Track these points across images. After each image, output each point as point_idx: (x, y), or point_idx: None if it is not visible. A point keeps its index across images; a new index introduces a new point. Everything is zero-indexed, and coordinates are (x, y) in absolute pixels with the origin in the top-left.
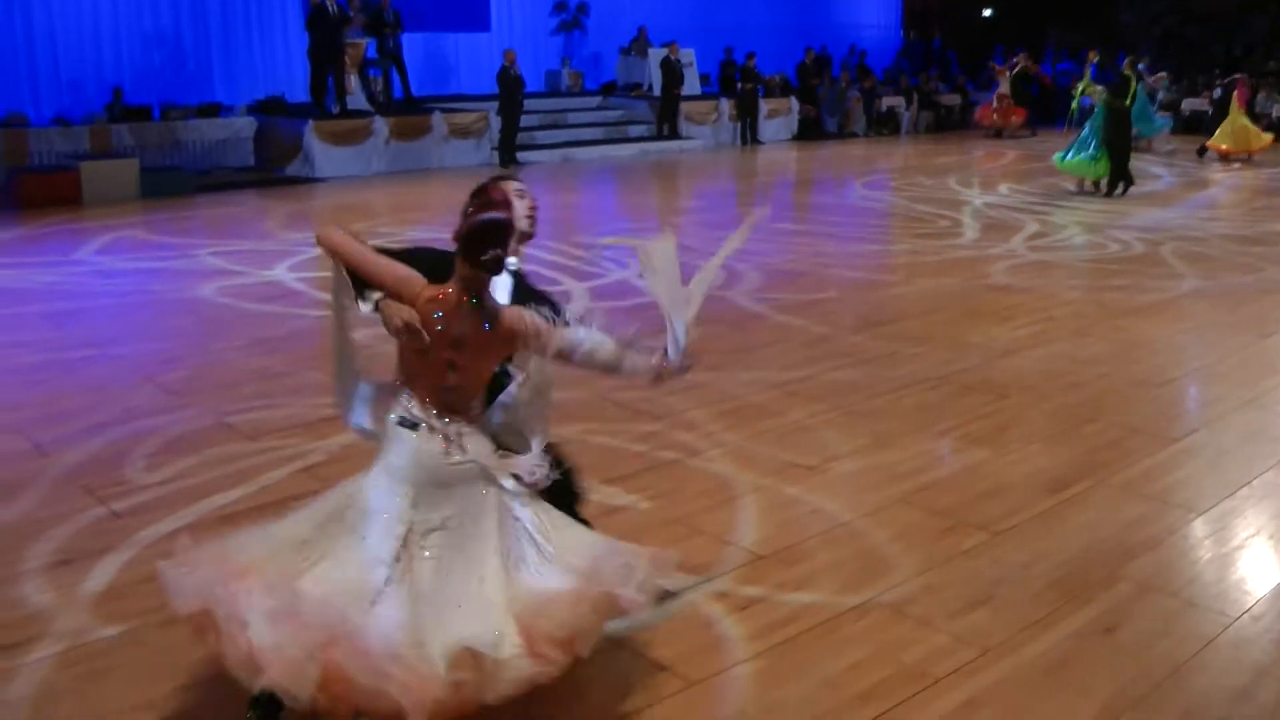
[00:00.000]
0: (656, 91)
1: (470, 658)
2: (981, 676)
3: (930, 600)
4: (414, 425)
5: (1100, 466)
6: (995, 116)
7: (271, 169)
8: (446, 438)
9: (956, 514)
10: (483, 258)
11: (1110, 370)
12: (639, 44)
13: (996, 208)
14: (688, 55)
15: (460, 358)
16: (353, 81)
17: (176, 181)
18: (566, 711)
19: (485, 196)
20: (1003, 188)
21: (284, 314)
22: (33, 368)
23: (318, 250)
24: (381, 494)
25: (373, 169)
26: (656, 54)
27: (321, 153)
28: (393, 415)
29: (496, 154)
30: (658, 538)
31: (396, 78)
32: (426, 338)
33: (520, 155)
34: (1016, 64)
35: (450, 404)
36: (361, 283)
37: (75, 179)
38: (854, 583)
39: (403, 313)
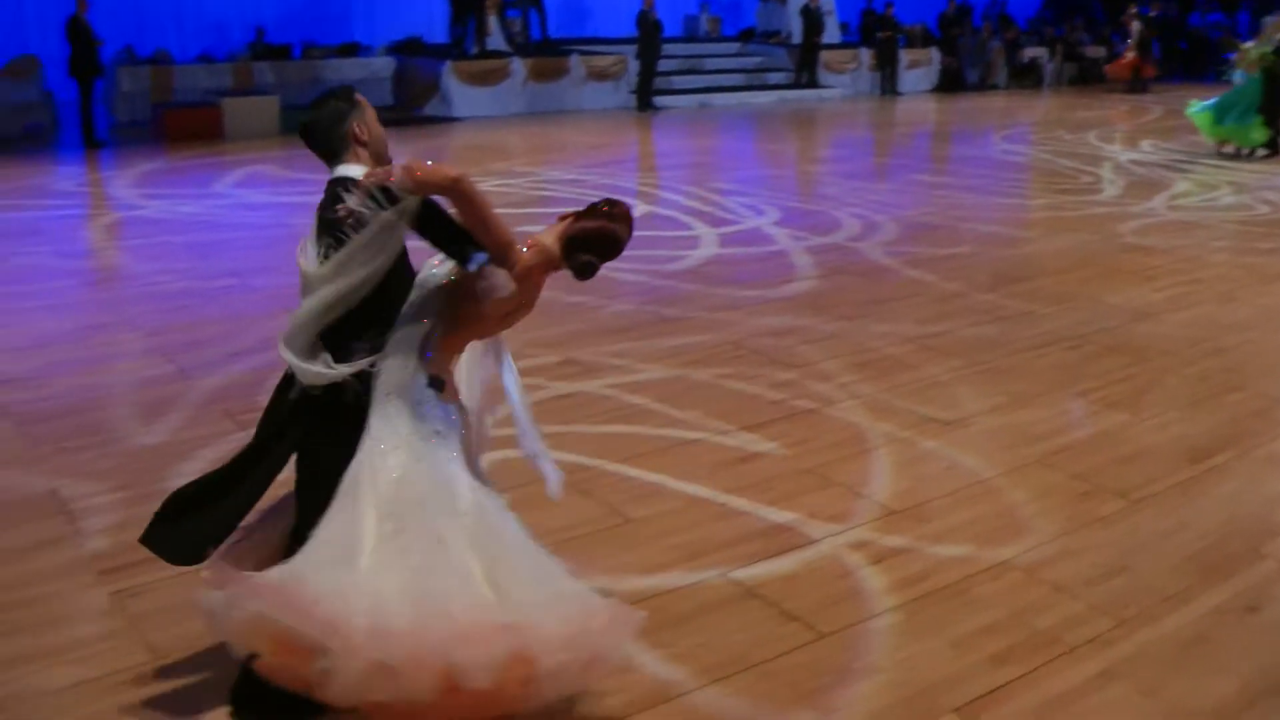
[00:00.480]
0: (796, 39)
1: None
2: (1117, 648)
3: (1065, 565)
4: (441, 386)
5: (1244, 437)
6: (1124, 70)
7: (409, 108)
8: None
9: (1094, 478)
10: (582, 257)
11: (1257, 337)
12: None
13: (1139, 164)
14: (828, 3)
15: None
16: (491, 23)
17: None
18: (695, 659)
19: (624, 211)
20: (1145, 144)
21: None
22: (176, 294)
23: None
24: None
25: (510, 110)
26: (797, 1)
27: (459, 93)
28: (422, 377)
29: (634, 97)
30: (791, 486)
31: (535, 19)
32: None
33: (657, 100)
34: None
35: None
36: (458, 236)
37: (218, 115)
38: (988, 543)
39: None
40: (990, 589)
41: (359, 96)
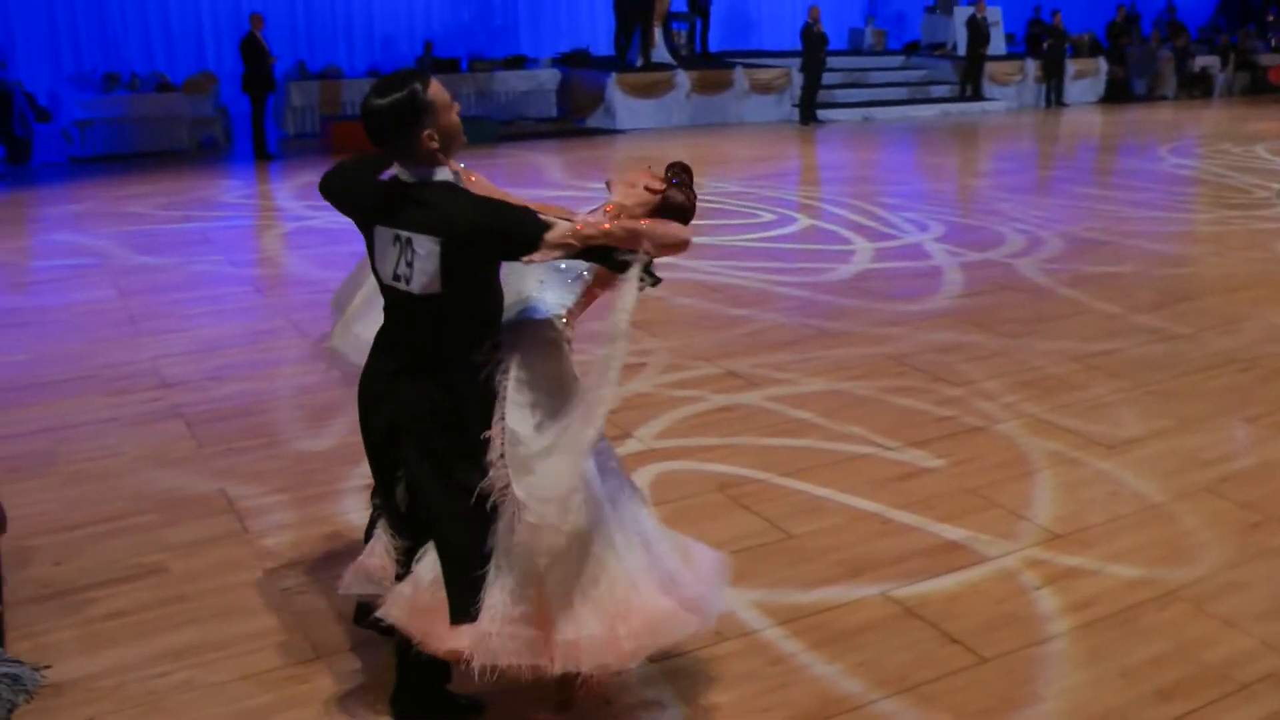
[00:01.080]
0: (961, 51)
1: None
2: None
3: (1236, 599)
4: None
5: None
6: None
7: (573, 120)
8: None
9: (1265, 508)
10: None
11: None
12: (944, 2)
13: None
14: (994, 13)
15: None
16: (656, 34)
17: (481, 130)
18: (856, 678)
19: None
20: None
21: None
22: None
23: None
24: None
25: (673, 122)
26: (962, 12)
27: (623, 105)
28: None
29: (796, 110)
30: (953, 505)
31: (699, 31)
32: None
33: (820, 113)
34: None
35: None
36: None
37: None
38: (1153, 572)
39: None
40: (1156, 620)
41: (429, 94)
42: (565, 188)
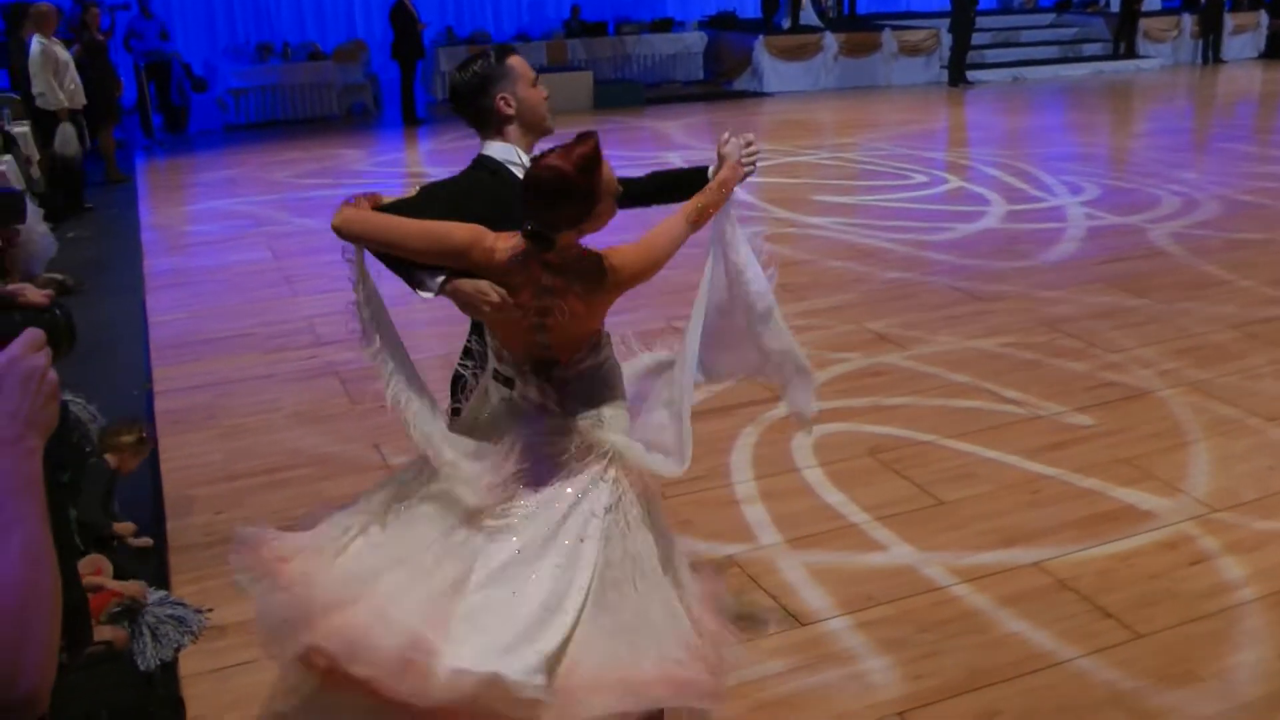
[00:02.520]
0: (1114, 7)
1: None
2: None
3: None
4: (508, 382)
5: None
6: None
7: (720, 83)
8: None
9: None
10: (525, 226)
11: None
12: None
13: None
14: None
15: (554, 319)
16: None
17: (628, 93)
18: (989, 657)
19: (564, 147)
20: None
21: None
22: None
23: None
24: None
25: (820, 84)
26: None
27: (770, 67)
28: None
29: (946, 72)
30: (1107, 476)
31: None
32: (516, 309)
33: (970, 74)
34: None
35: (545, 360)
36: (405, 264)
37: None
38: None
39: (483, 289)
40: None
41: (512, 59)
42: (709, 150)
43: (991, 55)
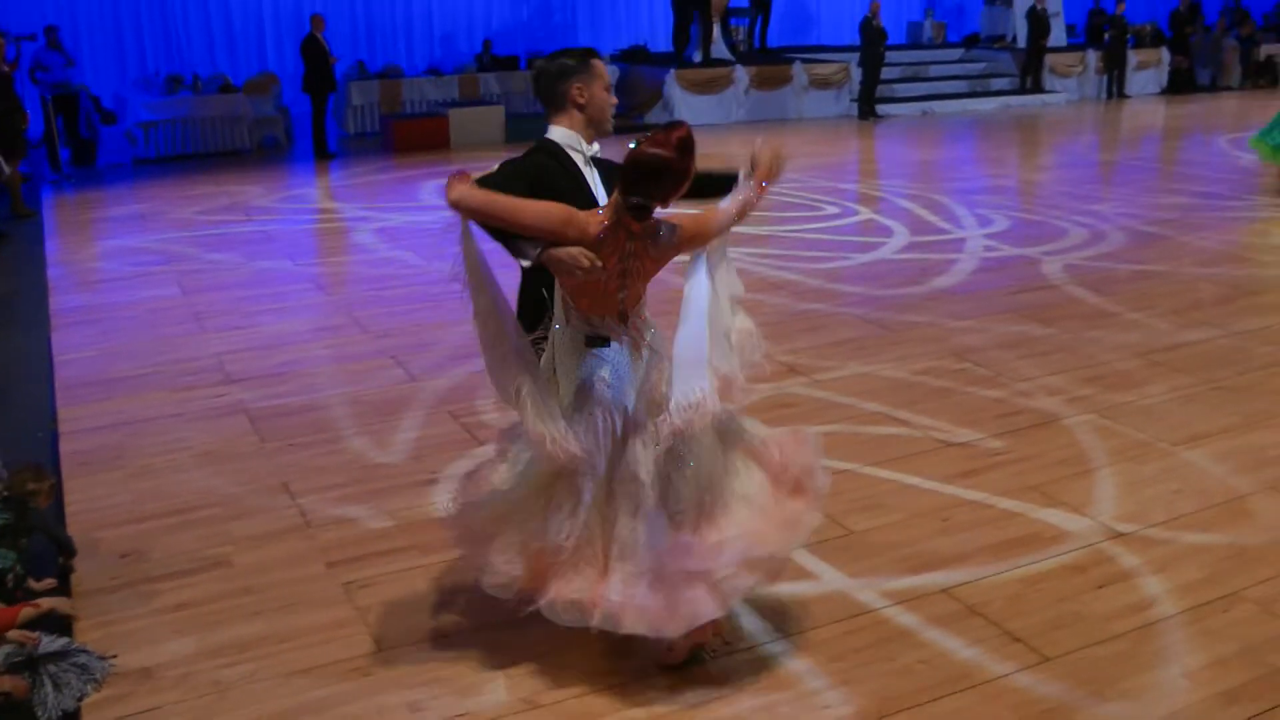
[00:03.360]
0: (1021, 43)
1: None
2: None
3: None
4: (605, 340)
5: None
6: None
7: (632, 116)
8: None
9: None
10: (631, 200)
11: None
12: None
13: None
14: (1055, 4)
15: (631, 278)
16: (715, 30)
17: (540, 127)
18: (898, 684)
19: (666, 137)
20: None
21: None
22: (404, 298)
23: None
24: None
25: (732, 117)
26: (1022, 4)
27: (682, 100)
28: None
29: (856, 105)
30: (1015, 504)
31: (758, 26)
32: (603, 272)
33: (880, 108)
34: None
35: (623, 313)
36: (507, 234)
37: (444, 125)
38: (1217, 572)
39: (575, 255)
40: (1221, 621)
41: (595, 60)
42: None
43: (901, 89)
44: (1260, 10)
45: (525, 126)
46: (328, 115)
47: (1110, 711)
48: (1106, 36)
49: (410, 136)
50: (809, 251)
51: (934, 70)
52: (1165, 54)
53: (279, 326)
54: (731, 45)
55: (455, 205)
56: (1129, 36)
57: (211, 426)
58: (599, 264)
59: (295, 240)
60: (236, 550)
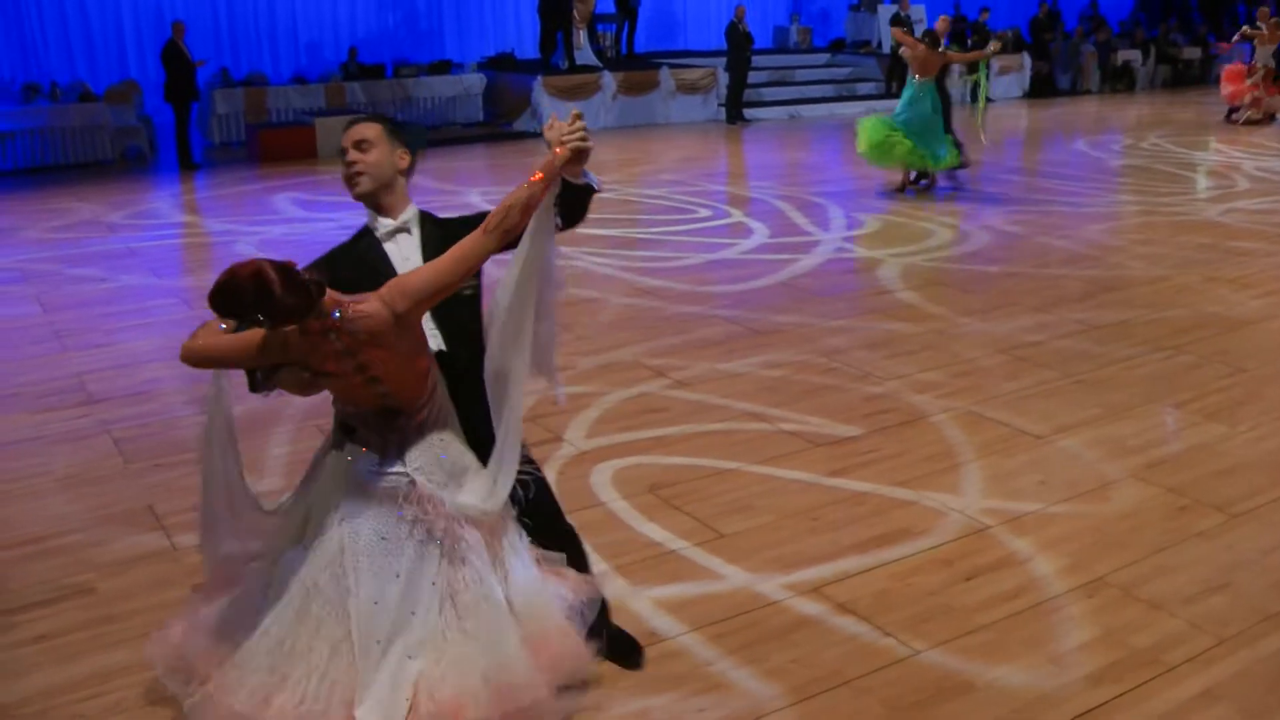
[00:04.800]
0: (885, 48)
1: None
2: (1219, 667)
3: (1163, 582)
4: (350, 431)
5: None
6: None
7: (500, 124)
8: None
9: (1191, 492)
10: (255, 319)
11: None
12: (868, 0)
13: (1237, 167)
14: (918, 11)
15: (376, 370)
16: (581, 36)
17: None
18: (789, 675)
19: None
20: (1243, 145)
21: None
22: None
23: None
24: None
25: (600, 123)
26: (886, 10)
27: (550, 107)
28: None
29: (723, 110)
30: (883, 500)
31: (625, 33)
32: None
33: (747, 112)
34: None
35: (390, 411)
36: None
37: (311, 134)
38: (1082, 559)
39: (298, 376)
40: (1086, 606)
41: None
42: (492, 189)
43: (768, 93)
44: (1116, 17)
45: None
46: (192, 125)
47: (979, 699)
48: (969, 42)
49: (276, 146)
50: (679, 254)
51: (800, 75)
52: (1026, 59)
53: (143, 344)
54: (599, 51)
55: (185, 359)
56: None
57: (73, 449)
58: (318, 374)
59: (159, 255)
60: (99, 577)
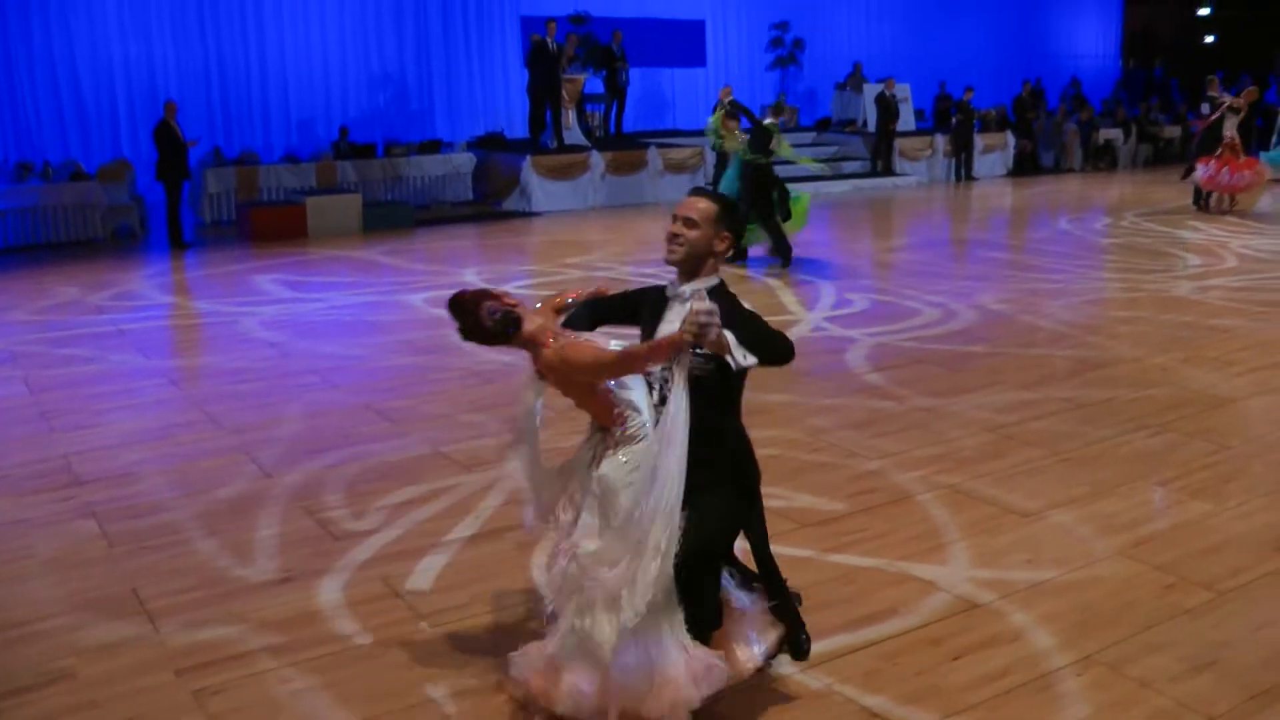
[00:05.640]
0: (871, 127)
1: None
2: None
3: (1151, 661)
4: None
5: None
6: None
7: (489, 203)
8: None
9: (1178, 570)
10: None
11: None
12: (854, 79)
13: (1220, 244)
14: (903, 90)
15: (564, 390)
16: (570, 116)
17: (397, 215)
18: None
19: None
20: (1223, 224)
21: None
22: (259, 393)
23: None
24: None
25: (589, 203)
26: (872, 89)
27: (539, 187)
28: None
29: (710, 188)
30: (870, 580)
31: (614, 112)
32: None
33: None
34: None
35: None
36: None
37: (302, 213)
38: (1070, 637)
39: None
40: (1074, 685)
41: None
42: (484, 270)
43: None
44: (1097, 97)
45: (382, 214)
46: (183, 203)
47: None
48: (954, 121)
49: (267, 225)
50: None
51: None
52: (1010, 138)
53: (130, 424)
54: (587, 131)
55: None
56: (975, 121)
57: (57, 531)
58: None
59: (148, 335)
60: (81, 662)
